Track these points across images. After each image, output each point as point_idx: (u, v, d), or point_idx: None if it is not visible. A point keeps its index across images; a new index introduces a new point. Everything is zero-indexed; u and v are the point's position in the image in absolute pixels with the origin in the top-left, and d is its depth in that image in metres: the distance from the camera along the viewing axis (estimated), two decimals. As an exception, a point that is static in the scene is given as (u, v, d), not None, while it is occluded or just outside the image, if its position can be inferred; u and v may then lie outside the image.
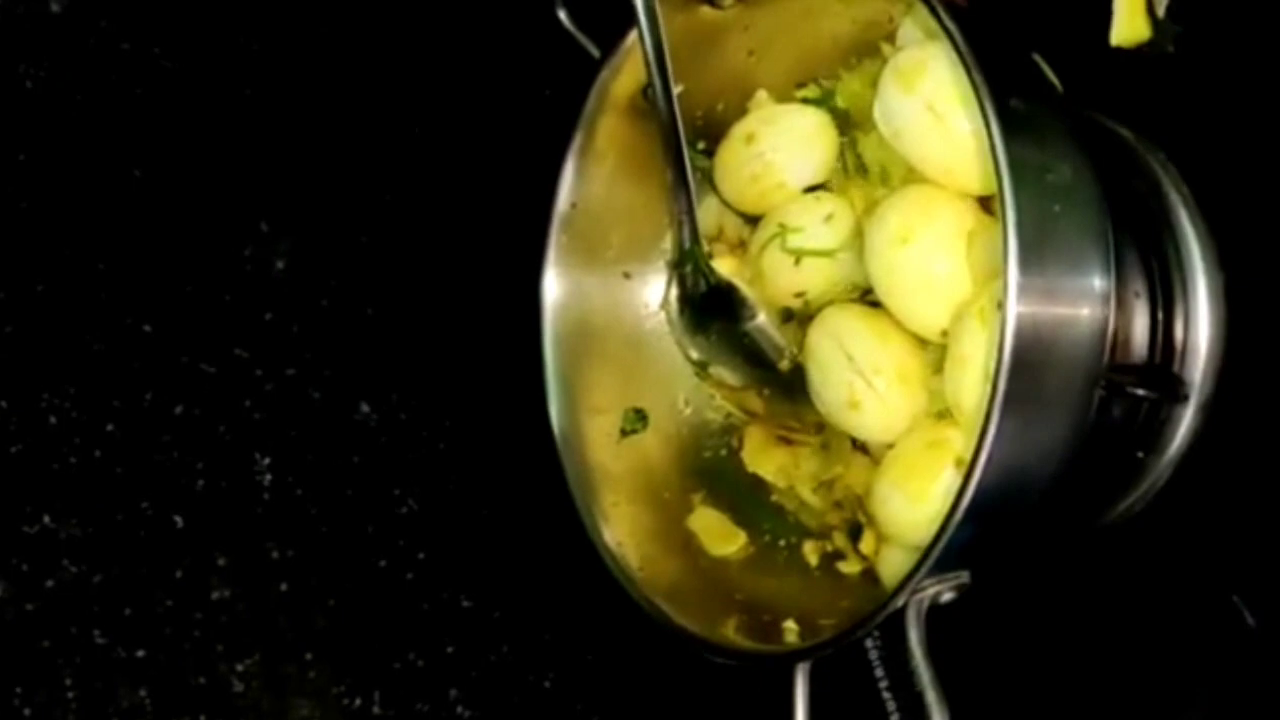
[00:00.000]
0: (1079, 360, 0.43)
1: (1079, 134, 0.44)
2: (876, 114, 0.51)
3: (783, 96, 0.58)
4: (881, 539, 0.52)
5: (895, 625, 0.45)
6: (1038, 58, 0.46)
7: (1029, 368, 0.42)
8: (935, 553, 0.42)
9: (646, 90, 0.56)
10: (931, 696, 0.41)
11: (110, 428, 0.68)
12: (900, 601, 0.43)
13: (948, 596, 0.44)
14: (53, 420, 0.67)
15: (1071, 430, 0.44)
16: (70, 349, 0.69)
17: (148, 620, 0.65)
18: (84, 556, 0.65)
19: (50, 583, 0.64)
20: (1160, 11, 0.51)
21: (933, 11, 0.42)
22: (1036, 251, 0.41)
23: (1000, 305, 0.41)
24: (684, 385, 0.62)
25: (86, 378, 0.68)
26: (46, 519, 0.65)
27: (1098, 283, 0.43)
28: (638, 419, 0.62)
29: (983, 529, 0.44)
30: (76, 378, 0.68)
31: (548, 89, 0.65)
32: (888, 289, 0.50)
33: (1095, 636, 0.54)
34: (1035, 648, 0.55)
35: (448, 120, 0.76)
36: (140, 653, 0.65)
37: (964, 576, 0.44)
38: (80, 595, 0.64)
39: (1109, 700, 0.54)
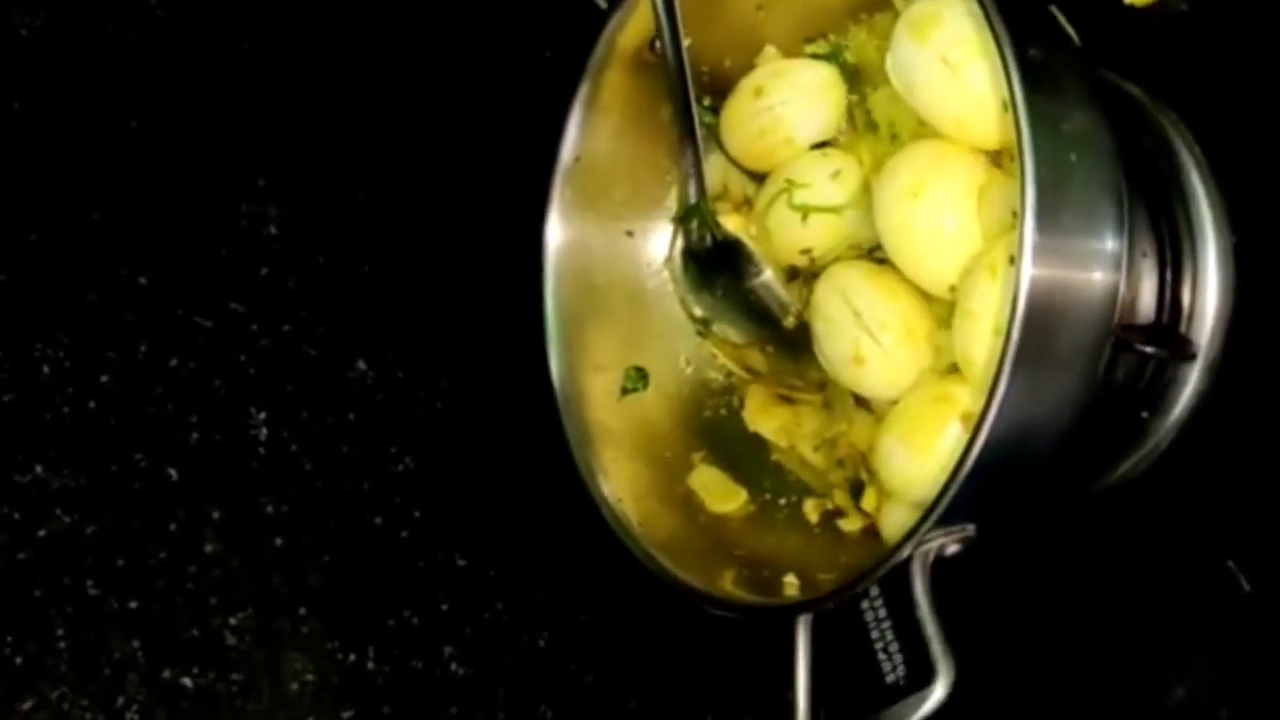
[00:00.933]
0: (1090, 319, 0.43)
1: (1095, 86, 0.44)
2: (889, 67, 0.50)
3: (791, 52, 0.58)
4: (884, 495, 0.52)
5: (899, 579, 0.45)
6: (1055, 10, 0.46)
7: (1041, 325, 0.42)
8: (943, 504, 0.42)
9: (654, 43, 0.55)
10: (937, 648, 0.41)
11: (104, 379, 0.67)
12: (906, 552, 0.43)
13: (953, 549, 0.44)
14: (46, 370, 0.66)
15: (1081, 387, 0.44)
16: (64, 299, 0.68)
17: (141, 572, 0.65)
18: (77, 507, 0.65)
19: (43, 532, 0.63)
20: (1175, -32, 0.50)
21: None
22: (1052, 203, 0.40)
23: (1014, 260, 0.41)
24: (686, 344, 0.62)
25: (81, 328, 0.68)
26: (39, 469, 0.65)
27: (1110, 238, 0.43)
28: (639, 377, 0.62)
29: (990, 483, 0.44)
30: (71, 328, 0.67)
31: (553, 40, 0.65)
32: (896, 244, 0.50)
33: (1095, 595, 0.54)
34: (1036, 605, 0.56)
35: (449, 72, 0.75)
36: (133, 604, 0.64)
37: (969, 529, 0.44)
38: (73, 545, 0.64)
39: (1107, 658, 0.54)
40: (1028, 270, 0.40)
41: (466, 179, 0.73)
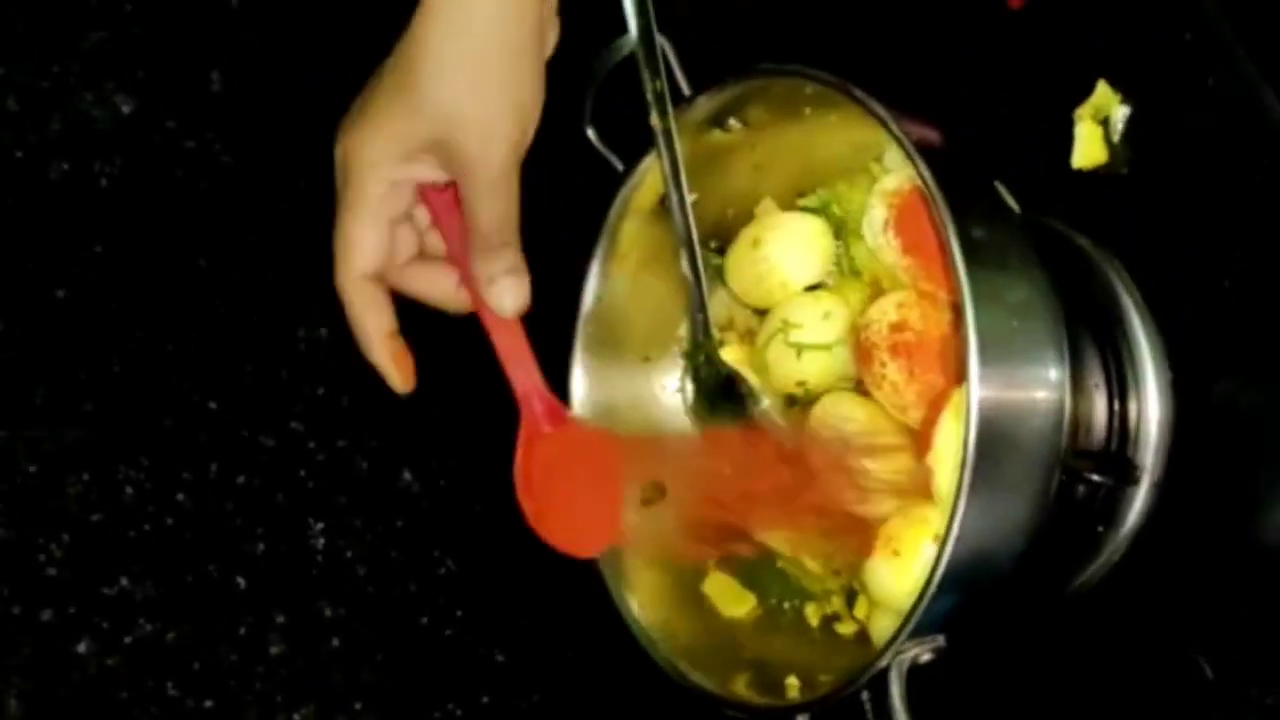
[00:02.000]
0: (1039, 448, 0.50)
1: (1037, 255, 0.50)
2: (864, 229, 0.58)
3: (786, 204, 0.64)
4: (872, 604, 0.58)
5: (882, 683, 0.51)
6: (999, 185, 0.53)
7: (993, 457, 0.48)
8: (914, 619, 0.49)
9: (664, 200, 0.62)
10: (913, 748, 0.47)
11: (180, 497, 0.75)
12: (884, 662, 0.49)
13: (926, 658, 0.50)
14: (129, 491, 0.74)
15: (1035, 511, 0.51)
16: (144, 425, 0.75)
17: (214, 673, 0.72)
18: (158, 615, 0.72)
19: (128, 639, 0.70)
20: (1115, 138, 0.57)
21: (908, 155, 0.49)
22: (997, 361, 0.47)
23: (966, 407, 0.47)
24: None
25: (159, 452, 0.75)
26: (124, 581, 0.72)
27: (1053, 388, 0.49)
28: (656, 490, 0.68)
29: (957, 598, 0.50)
30: (150, 452, 0.75)
31: (576, 198, 0.72)
32: (877, 385, 0.56)
33: (1065, 695, 0.60)
34: (1010, 707, 0.61)
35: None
36: (208, 703, 0.71)
37: (940, 640, 0.50)
38: (154, 651, 0.71)
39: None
40: (975, 423, 0.47)
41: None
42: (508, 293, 0.56)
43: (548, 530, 0.55)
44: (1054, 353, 0.49)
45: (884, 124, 0.50)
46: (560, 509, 0.56)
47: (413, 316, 0.80)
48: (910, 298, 0.56)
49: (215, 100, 0.83)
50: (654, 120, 0.58)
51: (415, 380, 0.58)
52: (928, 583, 0.48)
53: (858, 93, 0.51)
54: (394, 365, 0.57)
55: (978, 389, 0.46)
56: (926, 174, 0.48)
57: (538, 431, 0.57)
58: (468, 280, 0.57)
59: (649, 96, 0.58)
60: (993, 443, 0.48)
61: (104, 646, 0.70)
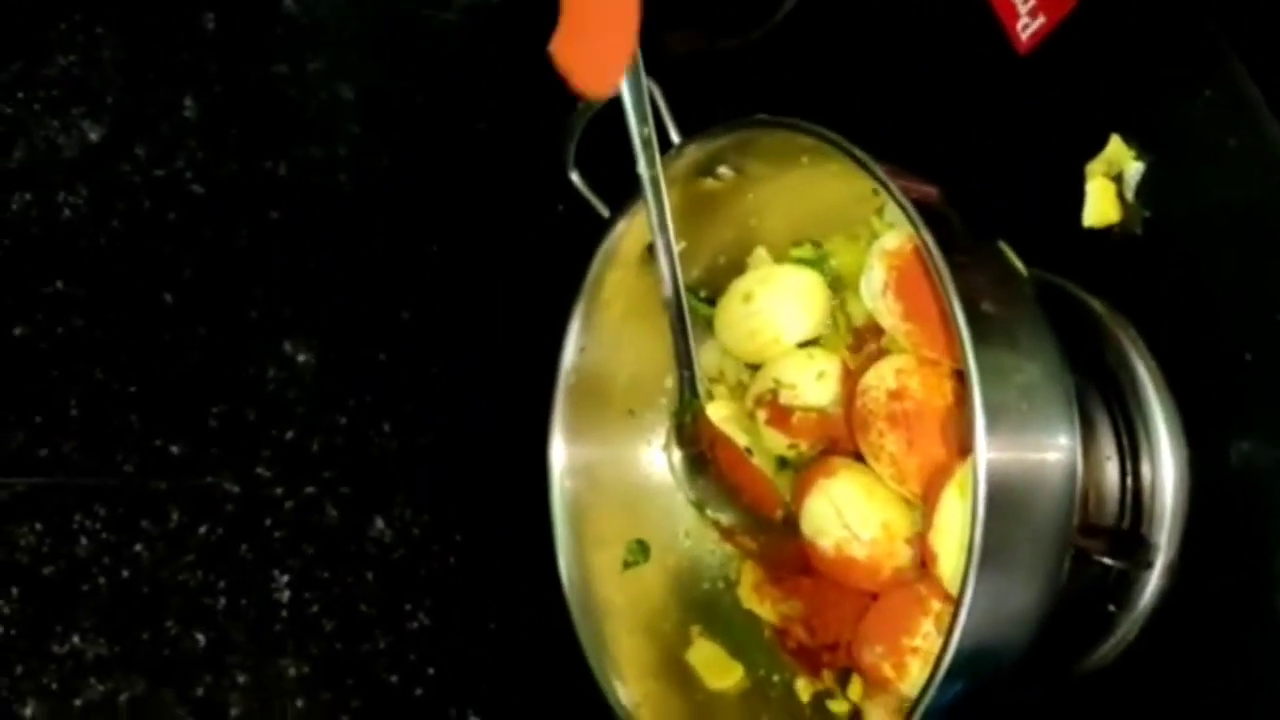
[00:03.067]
0: (1048, 533, 0.47)
1: (1049, 327, 0.47)
2: (862, 288, 0.54)
3: (779, 253, 0.62)
4: (867, 684, 0.55)
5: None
6: (1005, 246, 0.50)
7: (1000, 545, 0.45)
8: (919, 713, 0.45)
9: (650, 248, 0.59)
10: None
11: (138, 548, 0.71)
12: (888, 757, 0.46)
13: (929, 752, 0.47)
14: (84, 541, 0.70)
15: (1045, 593, 0.48)
16: (101, 470, 0.72)
17: (171, 738, 0.68)
18: (110, 675, 0.68)
19: (78, 701, 0.67)
20: (1129, 195, 0.54)
21: (909, 219, 0.46)
22: (1006, 443, 0.44)
23: (973, 493, 0.44)
24: (684, 518, 0.65)
25: (116, 499, 0.71)
26: (75, 639, 0.68)
27: (1065, 463, 0.46)
28: (640, 550, 0.65)
29: (962, 688, 0.47)
30: (107, 499, 0.71)
31: (566, 213, 0.68)
32: (869, 453, 0.53)
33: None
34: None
35: (467, 242, 0.79)
36: (163, 769, 0.67)
37: (945, 734, 0.47)
38: (107, 713, 0.67)
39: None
40: (982, 522, 0.43)
41: (479, 359, 0.77)
42: None
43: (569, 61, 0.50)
44: (1065, 431, 0.46)
45: (885, 187, 0.46)
46: (581, 42, 0.50)
47: (397, 365, 0.78)
48: (910, 364, 0.52)
49: (187, 127, 0.80)
50: (641, 168, 0.56)
51: None
52: (932, 675, 0.45)
53: (856, 151, 0.48)
54: None
55: (984, 479, 0.43)
56: (930, 243, 0.44)
57: None
58: None
59: (636, 143, 0.55)
60: (1001, 526, 0.45)
61: (53, 710, 0.66)
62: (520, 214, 0.76)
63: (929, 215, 0.45)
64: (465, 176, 0.80)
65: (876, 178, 0.47)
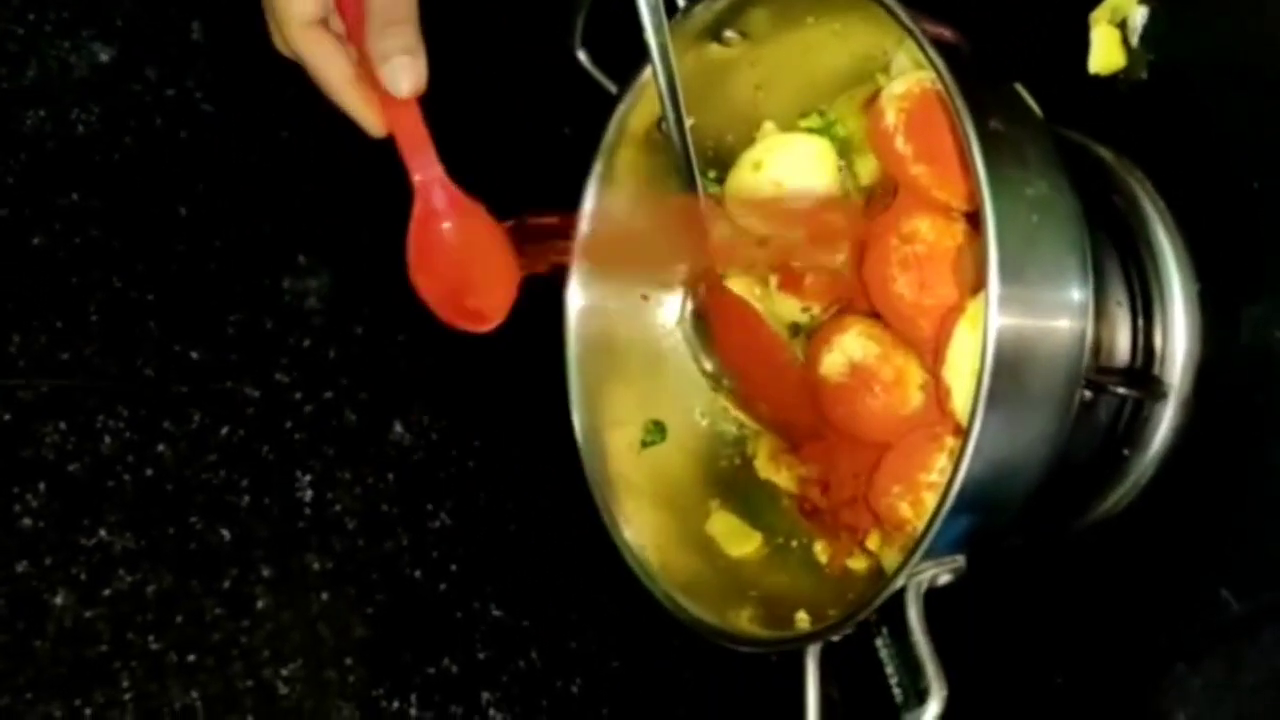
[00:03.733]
0: (1059, 362, 0.47)
1: (1059, 152, 0.48)
2: (869, 138, 0.55)
3: (787, 126, 0.62)
4: (884, 532, 0.55)
5: (898, 612, 0.48)
6: (1019, 86, 0.50)
7: (1012, 366, 0.45)
8: (929, 537, 0.46)
9: (661, 123, 0.60)
10: (930, 669, 0.45)
11: (161, 448, 0.72)
12: (900, 583, 0.47)
13: (944, 579, 0.47)
14: (107, 440, 0.71)
15: (1055, 426, 0.48)
16: (123, 375, 0.73)
17: (198, 627, 0.69)
18: (138, 567, 0.69)
19: (107, 591, 0.68)
20: (1134, 41, 0.54)
21: (918, 44, 0.46)
22: (1017, 262, 0.44)
23: (985, 309, 0.45)
24: (700, 398, 0.66)
25: (138, 402, 0.72)
26: (103, 533, 0.69)
27: (1075, 290, 0.47)
28: (657, 431, 0.65)
29: (974, 517, 0.47)
30: (129, 402, 0.72)
31: (568, 123, 0.69)
32: (882, 302, 0.54)
33: (1089, 627, 0.57)
34: (1032, 639, 0.58)
35: (473, 153, 0.79)
36: (191, 657, 0.68)
37: (960, 561, 0.47)
38: (135, 603, 0.68)
39: (1103, 689, 0.57)
40: (994, 323, 0.44)
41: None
42: (403, 71, 0.53)
43: (443, 307, 0.52)
44: (1076, 255, 0.47)
45: (894, 15, 0.47)
46: (458, 287, 0.53)
47: (405, 276, 0.78)
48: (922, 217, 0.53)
49: (196, 49, 0.81)
50: (648, 35, 0.56)
51: (386, 128, 0.56)
52: (942, 501, 0.46)
53: (863, -17, 0.48)
54: (365, 109, 0.55)
55: (997, 288, 0.43)
56: (939, 61, 0.45)
57: (435, 220, 0.54)
58: (365, 61, 0.54)
59: (643, 9, 0.55)
60: (1012, 349, 0.45)
61: (82, 599, 0.67)
62: (527, 97, 0.76)
63: (941, 46, 0.46)
64: (473, 89, 0.80)
65: (884, 5, 0.47)
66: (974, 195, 0.49)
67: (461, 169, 0.79)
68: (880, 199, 0.57)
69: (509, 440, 0.79)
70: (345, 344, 0.79)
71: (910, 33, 0.46)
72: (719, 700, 0.75)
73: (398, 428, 0.79)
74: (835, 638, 0.50)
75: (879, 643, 0.51)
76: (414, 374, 0.79)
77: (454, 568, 0.76)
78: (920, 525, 0.50)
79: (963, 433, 0.48)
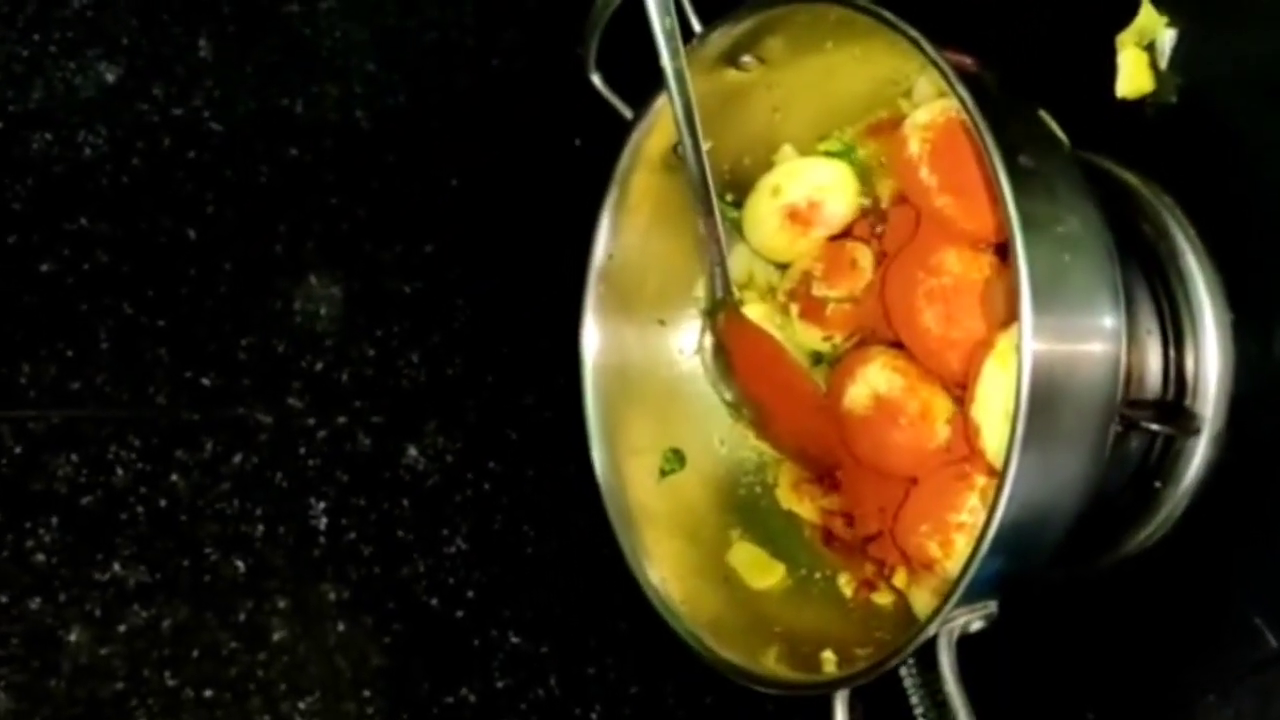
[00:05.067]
0: (1094, 398, 0.46)
1: (1088, 185, 0.46)
2: (894, 167, 0.54)
3: (806, 149, 0.61)
4: (911, 570, 0.54)
5: (928, 653, 0.47)
6: (1044, 114, 0.49)
7: (1046, 407, 0.44)
8: (963, 585, 0.45)
9: (677, 147, 0.58)
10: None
11: (174, 478, 0.71)
12: (932, 631, 0.46)
13: (977, 625, 0.46)
14: (120, 472, 0.70)
15: (1090, 464, 0.47)
16: (133, 402, 0.72)
17: (214, 662, 0.68)
18: (153, 601, 0.68)
19: (122, 627, 0.67)
20: (1162, 64, 0.53)
21: (944, 77, 0.45)
22: (1049, 298, 0.43)
23: (1017, 349, 0.43)
24: (719, 425, 0.64)
25: (150, 431, 0.71)
26: (117, 566, 0.68)
27: (1108, 324, 0.45)
28: (676, 459, 0.64)
29: (1008, 561, 0.46)
30: (141, 431, 0.71)
31: (586, 147, 0.68)
32: (909, 335, 0.52)
33: (1122, 662, 0.56)
34: (1064, 675, 0.57)
35: (487, 175, 0.79)
36: (208, 693, 0.68)
37: (992, 606, 0.46)
38: (151, 639, 0.67)
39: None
40: (1029, 364, 0.43)
41: (507, 277, 0.77)
42: None
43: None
44: (1108, 290, 0.45)
45: (918, 46, 0.46)
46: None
47: (422, 297, 0.77)
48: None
49: (203, 67, 0.80)
50: (664, 61, 0.54)
51: None
52: (977, 546, 0.45)
53: (888, 15, 0.47)
54: None
55: (1030, 328, 0.42)
56: (967, 97, 0.44)
57: None
58: None
59: (658, 35, 0.54)
60: (1046, 390, 0.44)
61: (97, 635, 0.67)
62: (538, 145, 0.75)
63: (966, 77, 0.45)
64: (481, 111, 0.79)
65: (908, 36, 0.46)
66: (1001, 228, 0.48)
67: (476, 192, 0.79)
68: (898, 224, 0.56)
69: (525, 463, 0.78)
70: (358, 366, 0.78)
71: (936, 65, 0.45)
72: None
73: (412, 451, 0.78)
74: (864, 682, 0.49)
75: (903, 672, 0.50)
76: (428, 396, 0.78)
77: (471, 594, 0.76)
78: (949, 565, 0.49)
79: (993, 472, 0.47)
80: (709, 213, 0.57)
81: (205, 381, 0.74)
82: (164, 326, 0.74)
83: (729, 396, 0.62)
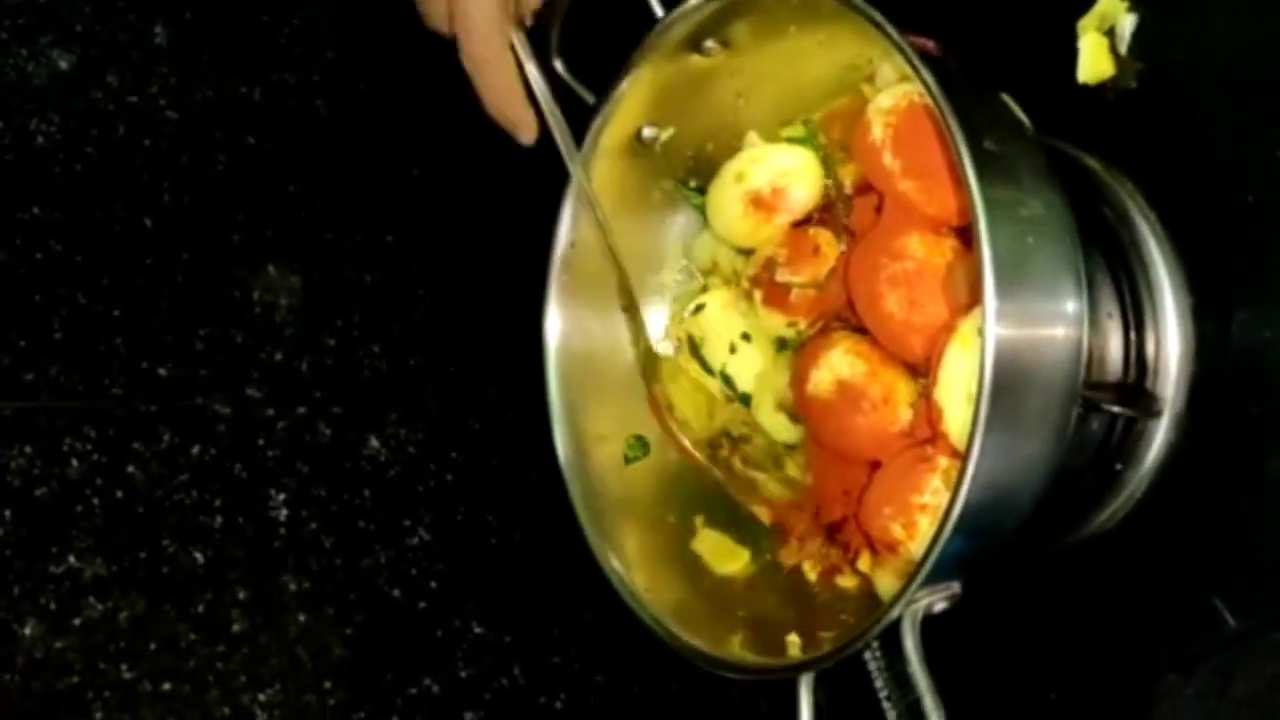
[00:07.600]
0: (1056, 381, 0.46)
1: (1051, 169, 0.47)
2: (858, 152, 0.54)
3: (769, 135, 0.61)
4: (875, 553, 0.54)
5: (892, 635, 0.47)
6: (1007, 98, 0.49)
7: (1008, 390, 0.44)
8: (927, 566, 0.45)
9: (639, 136, 0.58)
10: (929, 702, 0.44)
11: (130, 469, 0.70)
12: (896, 613, 0.46)
13: (940, 606, 0.46)
14: (75, 464, 0.69)
15: (1052, 446, 0.47)
16: (89, 393, 0.71)
17: (173, 654, 0.67)
18: (109, 594, 0.67)
19: (78, 620, 0.66)
20: (1123, 50, 0.54)
21: (908, 61, 0.45)
22: (1012, 282, 0.43)
23: (980, 332, 0.44)
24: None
25: (106, 422, 0.70)
26: (72, 559, 0.67)
27: (1071, 306, 0.46)
28: (640, 446, 0.64)
29: (971, 542, 0.46)
30: (97, 422, 0.70)
31: (546, 135, 0.68)
32: (871, 319, 0.53)
33: (1083, 642, 0.57)
34: (1026, 655, 0.58)
35: (448, 164, 0.78)
36: (166, 686, 0.67)
37: (955, 587, 0.47)
38: (107, 632, 0.66)
39: (1097, 704, 0.57)
40: (991, 346, 0.43)
41: (467, 264, 0.76)
42: None
43: None
44: (1071, 274, 0.46)
45: (882, 30, 0.46)
46: None
47: (382, 287, 0.77)
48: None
49: (158, 54, 0.79)
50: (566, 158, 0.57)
51: None
52: (940, 527, 0.45)
53: (852, -1, 0.47)
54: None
55: (994, 312, 0.42)
56: (930, 80, 0.44)
57: None
58: None
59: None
60: (1008, 373, 0.44)
61: (52, 628, 0.65)
62: (500, 133, 0.75)
63: (929, 61, 0.45)
64: (442, 99, 0.78)
65: (872, 20, 0.46)
66: (964, 211, 0.48)
67: (437, 182, 0.78)
68: (861, 209, 0.56)
69: (488, 452, 0.78)
70: (317, 356, 0.77)
71: (900, 49, 0.45)
72: (706, 715, 0.74)
73: (373, 442, 0.77)
74: (828, 665, 0.49)
75: (867, 656, 0.50)
76: (389, 386, 0.78)
77: (434, 585, 0.75)
78: (913, 546, 0.49)
79: (956, 454, 0.47)
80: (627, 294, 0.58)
81: (162, 372, 0.73)
82: (120, 316, 0.73)
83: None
